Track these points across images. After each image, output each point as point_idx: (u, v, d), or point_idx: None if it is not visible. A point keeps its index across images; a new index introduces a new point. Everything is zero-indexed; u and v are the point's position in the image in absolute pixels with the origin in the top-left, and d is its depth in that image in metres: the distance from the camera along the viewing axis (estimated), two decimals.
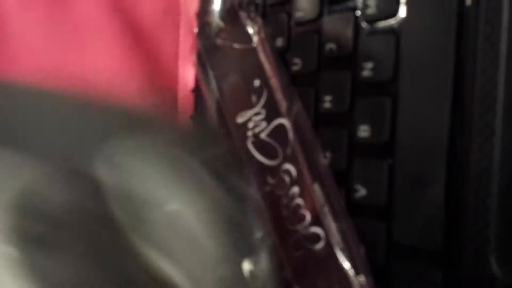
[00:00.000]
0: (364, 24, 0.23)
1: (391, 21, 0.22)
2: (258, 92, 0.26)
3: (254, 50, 0.26)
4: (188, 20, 0.35)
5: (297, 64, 0.26)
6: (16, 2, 0.31)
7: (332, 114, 0.24)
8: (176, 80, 0.35)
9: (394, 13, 0.21)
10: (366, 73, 0.22)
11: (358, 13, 0.23)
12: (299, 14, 0.26)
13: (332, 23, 0.24)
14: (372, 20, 0.22)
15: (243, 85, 0.27)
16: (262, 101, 0.25)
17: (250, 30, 0.27)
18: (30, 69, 0.31)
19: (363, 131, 0.22)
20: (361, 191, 0.22)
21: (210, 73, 0.29)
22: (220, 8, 0.29)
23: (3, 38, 0.31)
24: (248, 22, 0.27)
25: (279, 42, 0.27)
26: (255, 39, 0.26)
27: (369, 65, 0.22)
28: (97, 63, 0.33)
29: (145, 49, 0.34)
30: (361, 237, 0.22)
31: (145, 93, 0.33)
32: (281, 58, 0.27)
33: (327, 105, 0.24)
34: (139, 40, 0.34)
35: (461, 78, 0.19)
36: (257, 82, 0.26)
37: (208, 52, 0.29)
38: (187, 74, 0.35)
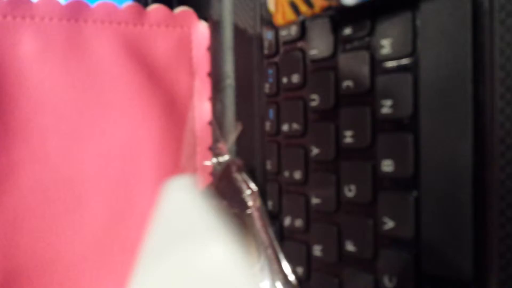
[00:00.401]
0: (380, 63, 0.24)
1: (408, 60, 0.23)
2: (253, 255, 0.29)
3: (249, 217, 0.29)
4: (200, 57, 0.36)
5: (314, 100, 0.27)
6: (33, 54, 0.32)
7: (354, 149, 0.25)
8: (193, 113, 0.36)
9: (409, 53, 0.22)
10: (385, 110, 0.23)
11: (373, 51, 0.24)
12: (313, 52, 0.27)
13: (347, 61, 0.25)
14: (387, 59, 0.23)
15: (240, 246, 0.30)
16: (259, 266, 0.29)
17: (246, 196, 0.30)
18: (50, 118, 0.32)
19: (387, 166, 0.23)
20: (389, 224, 0.23)
21: None
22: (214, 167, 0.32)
23: (23, 90, 0.32)
24: (243, 186, 0.29)
25: (295, 78, 0.29)
26: (250, 204, 0.29)
27: (388, 102, 0.23)
28: (116, 106, 0.33)
29: (161, 88, 0.35)
30: (391, 268, 0.23)
31: (164, 130, 0.35)
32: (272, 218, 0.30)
33: (348, 140, 0.25)
34: (155, 78, 0.35)
35: (480, 112, 0.20)
36: (252, 249, 0.29)
37: None
38: (202, 108, 0.36)
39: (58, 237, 0.32)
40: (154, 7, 0.36)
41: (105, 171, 0.33)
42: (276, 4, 0.26)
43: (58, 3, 0.33)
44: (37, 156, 0.32)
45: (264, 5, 0.31)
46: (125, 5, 0.35)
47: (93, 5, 0.34)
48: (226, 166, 0.31)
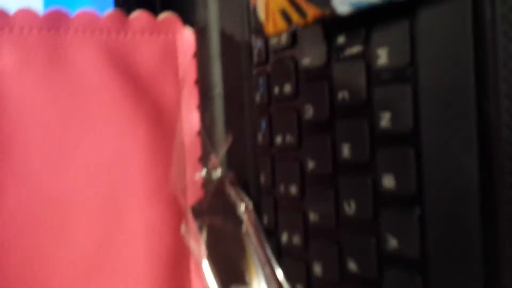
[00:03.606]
0: (376, 73, 0.23)
1: (406, 70, 0.22)
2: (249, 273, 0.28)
3: (245, 234, 0.29)
4: (186, 65, 0.35)
5: (309, 111, 0.26)
6: (14, 68, 0.31)
7: (353, 163, 0.24)
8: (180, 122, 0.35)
9: (408, 63, 0.21)
10: (384, 123, 0.22)
11: (369, 61, 0.23)
12: (305, 61, 0.26)
13: (342, 72, 0.24)
14: (384, 70, 0.22)
15: (236, 263, 0.29)
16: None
17: (240, 211, 0.29)
18: (33, 135, 0.31)
19: (388, 182, 0.22)
20: (392, 242, 0.22)
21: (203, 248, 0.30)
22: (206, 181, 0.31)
23: (3, 106, 0.30)
24: (238, 201, 0.28)
25: (287, 88, 0.27)
26: (245, 220, 0.28)
27: (386, 115, 0.22)
28: (101, 119, 0.32)
29: (147, 98, 0.33)
30: None
31: (152, 142, 0.33)
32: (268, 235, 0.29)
33: (345, 154, 0.24)
34: (140, 88, 0.33)
35: (485, 125, 0.19)
36: (248, 266, 0.28)
37: (199, 228, 0.30)
38: (191, 117, 0.35)
39: (47, 261, 0.31)
40: (136, 14, 0.34)
41: (92, 188, 0.32)
42: (267, 13, 0.25)
43: (37, 14, 0.32)
44: (20, 176, 0.31)
45: (252, 10, 0.29)
46: (106, 12, 0.34)
47: (73, 14, 0.33)
48: (219, 181, 0.30)
